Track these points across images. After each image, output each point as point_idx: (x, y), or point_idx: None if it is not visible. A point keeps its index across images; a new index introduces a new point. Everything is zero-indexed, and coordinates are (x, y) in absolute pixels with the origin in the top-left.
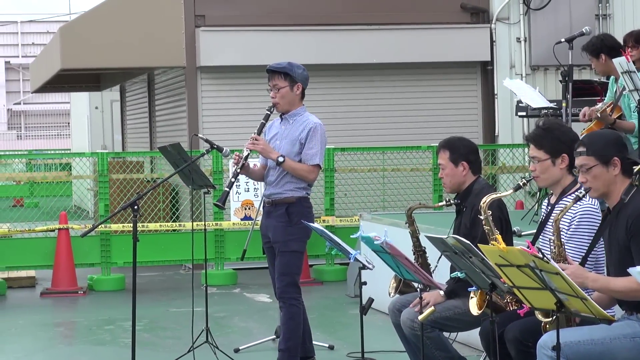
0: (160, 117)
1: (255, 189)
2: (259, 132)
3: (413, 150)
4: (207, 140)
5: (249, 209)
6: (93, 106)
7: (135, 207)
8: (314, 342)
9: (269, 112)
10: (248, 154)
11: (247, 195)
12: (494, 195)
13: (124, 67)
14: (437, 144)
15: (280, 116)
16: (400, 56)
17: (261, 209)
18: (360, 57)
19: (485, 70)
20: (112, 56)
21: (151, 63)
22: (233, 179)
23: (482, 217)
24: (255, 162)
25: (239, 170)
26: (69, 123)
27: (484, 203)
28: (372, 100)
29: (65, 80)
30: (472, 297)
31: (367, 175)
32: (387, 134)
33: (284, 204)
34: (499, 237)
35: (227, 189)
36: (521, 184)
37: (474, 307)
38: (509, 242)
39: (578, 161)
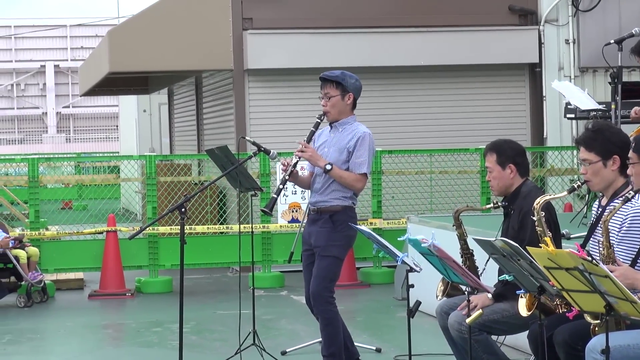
0: (208, 120)
1: (302, 191)
2: (309, 140)
3: (460, 152)
4: (254, 143)
5: (296, 211)
6: (141, 109)
7: (183, 209)
8: (361, 345)
9: (319, 120)
10: (297, 161)
11: (294, 198)
12: (547, 197)
13: (172, 70)
14: (485, 147)
15: (330, 124)
16: (448, 58)
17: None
18: (408, 60)
19: (534, 72)
20: (160, 59)
21: (199, 66)
22: (281, 186)
23: (534, 218)
24: (303, 168)
25: (287, 177)
26: (117, 126)
27: (537, 204)
28: (420, 103)
29: (114, 84)
30: (521, 298)
31: (414, 177)
32: (434, 136)
33: (329, 212)
34: (548, 239)
35: (275, 196)
36: (575, 186)
37: (523, 308)
38: (557, 244)
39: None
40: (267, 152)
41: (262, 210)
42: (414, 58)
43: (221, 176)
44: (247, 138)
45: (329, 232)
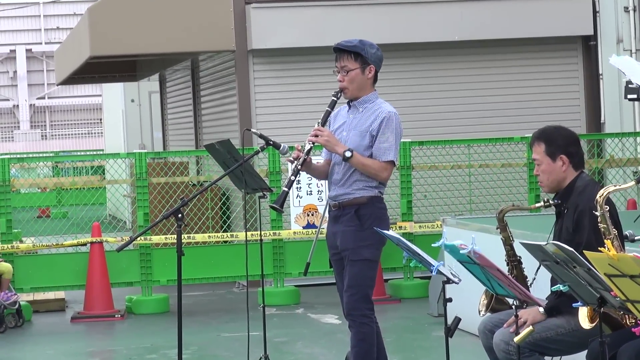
0: (207, 110)
1: (319, 191)
2: (324, 123)
3: (504, 142)
4: (261, 136)
5: (313, 215)
6: (129, 99)
7: (180, 215)
8: None
9: (335, 99)
10: (310, 148)
11: (309, 199)
12: (612, 188)
13: (164, 53)
14: (531, 135)
15: (348, 103)
16: (487, 32)
17: (326, 214)
18: (439, 35)
19: (588, 46)
20: (150, 40)
21: (195, 47)
22: (293, 177)
23: (597, 213)
24: (318, 159)
25: (299, 167)
26: (101, 119)
27: (600, 197)
28: (455, 85)
29: (96, 70)
30: (581, 308)
31: (450, 173)
32: (473, 123)
33: (353, 206)
34: (609, 242)
35: (286, 189)
36: None
37: (584, 320)
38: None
39: None
40: (276, 146)
41: (272, 207)
42: (447, 33)
43: (223, 175)
44: (253, 130)
45: (355, 231)
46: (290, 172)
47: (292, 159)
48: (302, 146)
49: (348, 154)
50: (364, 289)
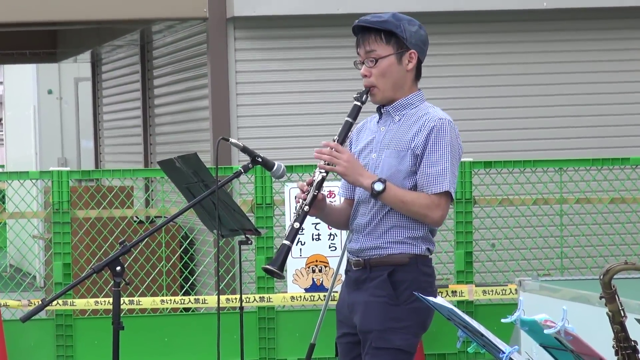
0: (163, 108)
1: (330, 235)
2: (342, 140)
3: (614, 165)
4: (244, 149)
5: (320, 271)
6: (44, 90)
7: (119, 268)
8: None
9: (358, 104)
10: (322, 179)
11: (316, 248)
12: None
13: (99, 20)
14: None
15: (379, 110)
16: None
17: (342, 273)
18: (516, 1)
19: None
20: (79, 3)
21: (147, 13)
22: (297, 225)
23: None
24: (333, 199)
25: (307, 209)
26: (0, 120)
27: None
28: (538, 77)
29: None
30: None
31: (531, 210)
32: (564, 135)
33: (386, 267)
34: None
35: (288, 243)
36: None
37: None
38: None
39: None
40: (267, 164)
41: (266, 270)
42: None
43: (186, 208)
44: (232, 140)
45: (386, 304)
46: (292, 217)
47: (299, 198)
48: (310, 174)
49: (379, 186)
50: None
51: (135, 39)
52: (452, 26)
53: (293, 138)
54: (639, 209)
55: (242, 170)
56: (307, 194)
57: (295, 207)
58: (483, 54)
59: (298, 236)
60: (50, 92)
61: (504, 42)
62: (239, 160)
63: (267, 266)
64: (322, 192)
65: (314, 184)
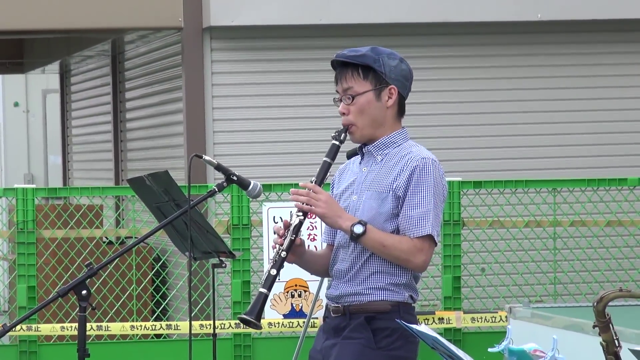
0: (135, 123)
1: None
2: (320, 181)
3: (611, 186)
4: (219, 167)
5: (300, 296)
6: (10, 102)
7: (85, 292)
8: None
9: (337, 143)
10: (300, 223)
11: (295, 271)
12: None
13: (68, 29)
14: None
15: (360, 149)
16: (585, 11)
17: (322, 295)
18: (510, 13)
19: None
20: (48, 11)
21: (119, 22)
22: (274, 272)
23: None
24: (312, 237)
25: (284, 255)
26: None
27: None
28: (530, 92)
29: None
30: None
31: (523, 233)
32: (558, 154)
33: (367, 314)
34: None
35: (265, 291)
36: None
37: None
38: None
39: None
40: (242, 183)
41: (242, 320)
42: (522, 10)
43: (157, 229)
44: (206, 157)
45: (362, 346)
46: (269, 263)
47: (276, 244)
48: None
49: (359, 229)
50: None
51: (107, 49)
52: (440, 38)
53: (272, 155)
54: (637, 232)
55: (216, 189)
56: (285, 239)
57: (272, 252)
58: (474, 68)
59: (274, 284)
60: (16, 104)
61: (496, 55)
62: (215, 178)
63: (243, 315)
64: (300, 236)
65: (291, 228)
